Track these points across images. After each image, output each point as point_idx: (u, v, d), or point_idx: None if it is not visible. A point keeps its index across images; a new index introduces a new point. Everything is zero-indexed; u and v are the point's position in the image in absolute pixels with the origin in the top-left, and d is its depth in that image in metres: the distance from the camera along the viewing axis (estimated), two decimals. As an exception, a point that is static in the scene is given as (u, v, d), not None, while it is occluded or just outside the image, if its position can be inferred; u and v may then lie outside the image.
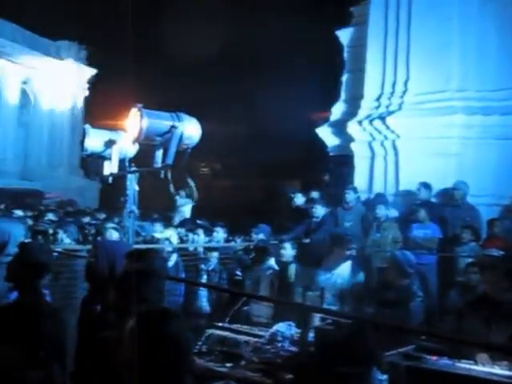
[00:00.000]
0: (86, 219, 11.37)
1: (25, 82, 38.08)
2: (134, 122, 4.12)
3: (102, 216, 12.22)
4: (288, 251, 6.69)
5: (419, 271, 5.94)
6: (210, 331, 4.57)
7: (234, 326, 4.78)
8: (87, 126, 4.98)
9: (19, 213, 11.52)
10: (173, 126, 4.07)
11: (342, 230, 7.42)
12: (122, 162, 4.93)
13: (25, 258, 3.51)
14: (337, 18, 12.89)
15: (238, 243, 8.76)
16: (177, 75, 27.21)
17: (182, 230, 9.13)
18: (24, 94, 38.64)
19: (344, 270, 5.93)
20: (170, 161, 4.06)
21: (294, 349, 4.08)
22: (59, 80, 40.03)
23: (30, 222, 10.25)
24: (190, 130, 4.21)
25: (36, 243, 5.32)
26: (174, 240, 7.91)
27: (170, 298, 5.89)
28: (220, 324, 4.92)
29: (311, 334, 3.81)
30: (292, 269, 6.56)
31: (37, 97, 39.56)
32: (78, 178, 35.29)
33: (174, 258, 6.99)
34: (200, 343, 4.39)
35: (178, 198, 11.59)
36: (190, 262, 7.47)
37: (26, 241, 4.93)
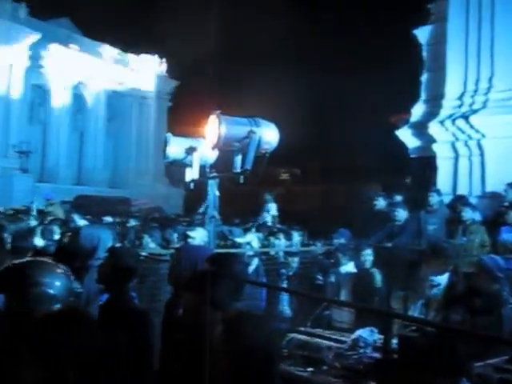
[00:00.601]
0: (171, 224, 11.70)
1: (111, 96, 39.98)
2: (213, 129, 4.20)
3: (186, 221, 12.54)
4: (368, 256, 6.59)
5: (509, 277, 5.63)
6: (292, 335, 4.57)
7: (316, 331, 4.75)
8: (169, 135, 5.15)
9: (108, 219, 12.07)
10: (251, 132, 4.11)
11: (443, 242, 7.08)
12: (202, 168, 5.05)
13: (114, 262, 3.65)
14: (414, 17, 12.56)
15: (319, 247, 8.71)
16: (255, 81, 27.53)
17: (263, 235, 9.19)
18: (111, 106, 40.58)
19: (441, 281, 5.69)
20: (248, 166, 4.11)
21: (376, 355, 3.99)
22: (144, 92, 41.73)
23: (119, 227, 10.73)
24: (268, 135, 4.24)
25: (124, 248, 5.54)
26: (255, 244, 7.97)
27: (252, 302, 5.94)
28: (301, 328, 4.90)
29: (394, 341, 3.71)
30: (374, 273, 6.45)
31: (124, 108, 41.43)
32: (163, 185, 36.49)
33: (254, 262, 7.05)
34: (281, 347, 4.40)
35: (265, 204, 11.68)
36: (270, 266, 7.50)
37: (115, 245, 5.14)
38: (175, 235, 8.38)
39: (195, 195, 5.99)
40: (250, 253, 7.14)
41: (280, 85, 28.47)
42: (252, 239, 7.95)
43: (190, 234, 6.72)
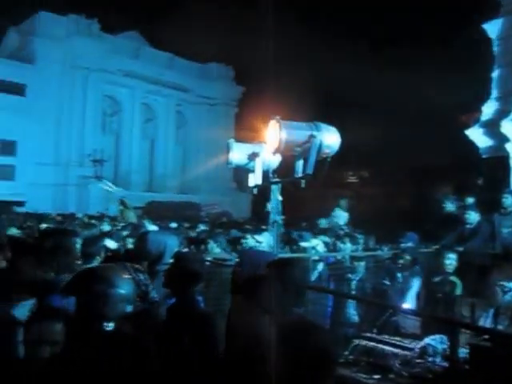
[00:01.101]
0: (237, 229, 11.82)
1: (179, 104, 40.99)
2: (273, 134, 4.22)
3: (251, 226, 12.63)
4: (453, 261, 6.34)
5: None
6: (358, 341, 4.49)
7: (382, 337, 4.64)
8: (231, 141, 5.22)
9: (174, 225, 12.37)
10: (311, 136, 4.09)
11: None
12: (265, 173, 5.08)
13: (180, 267, 3.73)
14: (482, 11, 12.02)
15: (385, 252, 8.52)
16: (319, 85, 27.39)
17: (330, 239, 9.10)
18: (180, 114, 41.61)
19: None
20: (309, 170, 4.09)
21: (446, 364, 3.85)
22: (211, 100, 42.49)
23: (186, 232, 10.96)
24: (329, 138, 4.20)
25: (190, 253, 5.66)
26: (321, 249, 7.90)
27: (317, 308, 5.89)
28: (368, 334, 4.80)
29: (465, 350, 3.57)
30: (455, 281, 6.22)
31: (192, 116, 42.38)
32: (232, 190, 36.99)
33: (320, 267, 6.98)
34: (347, 353, 4.33)
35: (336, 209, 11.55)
36: (336, 271, 7.41)
37: (181, 250, 5.24)
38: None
39: (262, 200, 6.04)
40: (315, 257, 7.09)
41: (345, 87, 28.18)
42: (317, 244, 7.87)
43: (258, 238, 6.75)
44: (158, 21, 35.34)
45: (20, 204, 27.48)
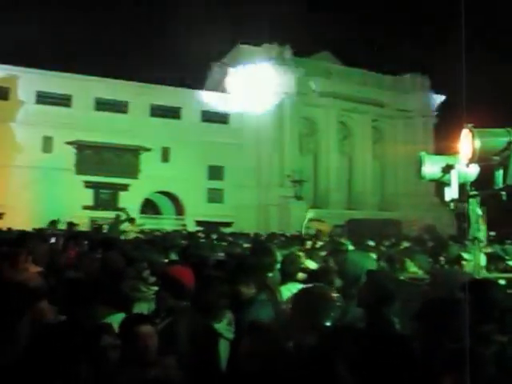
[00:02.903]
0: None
1: (375, 120, 40.61)
2: (467, 144, 3.92)
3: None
4: None
5: None
6: None
7: None
8: (422, 154, 5.00)
9: (371, 243, 12.14)
10: (510, 142, 3.71)
11: None
12: (462, 186, 4.76)
13: (372, 286, 3.65)
14: None
15: None
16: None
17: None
18: (375, 129, 41.20)
19: None
20: (510, 181, 3.70)
21: None
22: (407, 112, 41.32)
23: (385, 250, 10.66)
24: (533, 143, 3.76)
25: (382, 272, 5.48)
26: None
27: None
28: None
29: None
30: None
31: (388, 131, 41.66)
32: (435, 205, 35.35)
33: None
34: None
35: None
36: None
37: (374, 269, 5.12)
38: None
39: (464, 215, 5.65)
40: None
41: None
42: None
43: (465, 256, 6.26)
44: (348, 40, 35.76)
45: (227, 225, 29.75)
